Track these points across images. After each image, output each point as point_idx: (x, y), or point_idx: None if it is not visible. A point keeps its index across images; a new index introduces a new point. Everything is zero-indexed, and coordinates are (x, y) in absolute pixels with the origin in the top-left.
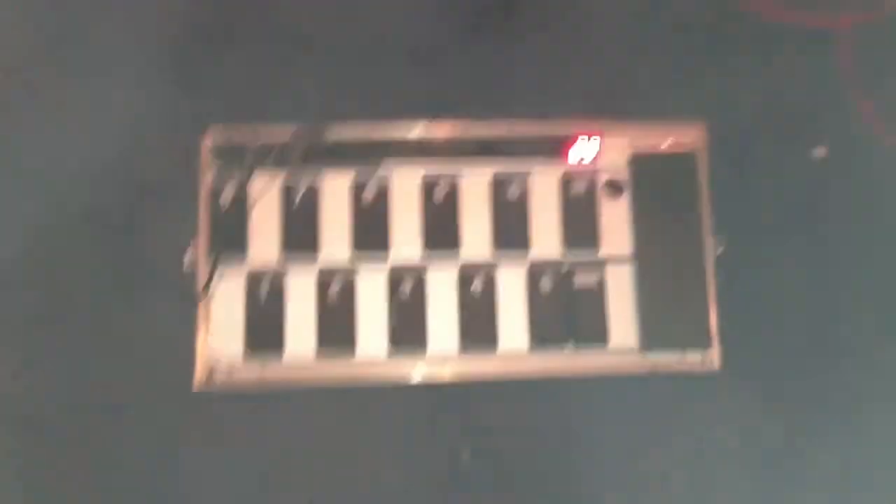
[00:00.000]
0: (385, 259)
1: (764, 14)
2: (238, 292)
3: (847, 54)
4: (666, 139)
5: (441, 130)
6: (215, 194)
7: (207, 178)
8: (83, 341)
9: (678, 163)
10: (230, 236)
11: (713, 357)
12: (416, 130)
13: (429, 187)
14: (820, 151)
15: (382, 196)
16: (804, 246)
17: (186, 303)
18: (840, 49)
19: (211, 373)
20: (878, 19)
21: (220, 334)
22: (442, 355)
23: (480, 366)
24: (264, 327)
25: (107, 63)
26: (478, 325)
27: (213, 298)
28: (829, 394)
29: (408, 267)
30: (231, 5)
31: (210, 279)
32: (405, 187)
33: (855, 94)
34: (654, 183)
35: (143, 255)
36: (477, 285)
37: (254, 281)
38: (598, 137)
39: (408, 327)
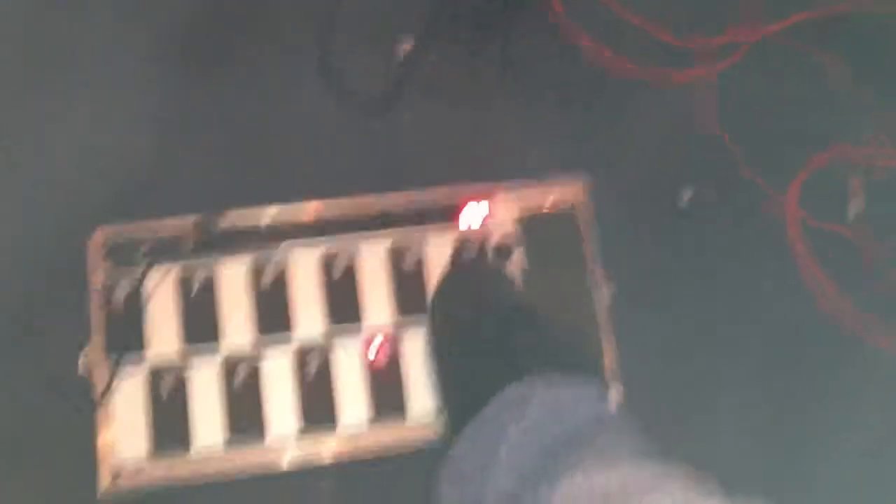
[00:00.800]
0: (289, 340)
1: (625, 73)
2: (139, 391)
3: (709, 104)
4: (549, 198)
5: (334, 207)
6: (108, 293)
7: (98, 277)
8: None
9: (563, 220)
10: (127, 335)
11: (615, 401)
12: (310, 210)
13: (327, 265)
14: (686, 194)
15: (281, 279)
16: (689, 287)
17: (85, 407)
18: (701, 100)
19: (116, 476)
20: (731, 69)
21: (124, 436)
22: (355, 430)
23: (390, 434)
24: (169, 424)
25: None
26: (387, 394)
27: (114, 399)
28: (727, 426)
29: (313, 345)
30: None
31: (109, 381)
32: (303, 267)
33: (723, 141)
34: (543, 240)
35: (36, 361)
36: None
37: (155, 378)
38: (485, 202)
39: (316, 405)
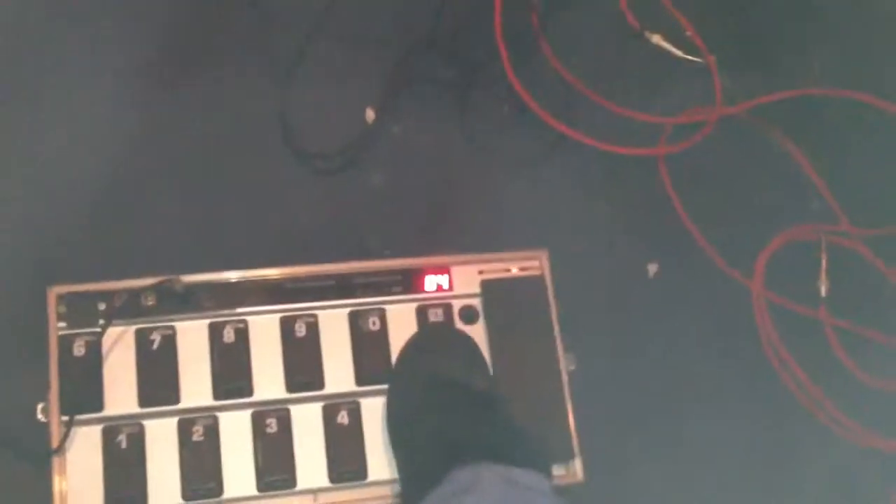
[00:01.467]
0: (247, 400)
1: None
2: (95, 447)
3: (667, 180)
4: (513, 265)
5: (296, 272)
6: (66, 347)
7: (57, 332)
8: None
9: (527, 287)
10: (84, 389)
11: (577, 469)
12: (272, 274)
13: (287, 328)
14: (652, 268)
15: (242, 339)
16: (650, 357)
17: (40, 458)
18: (662, 175)
19: None
20: (689, 148)
21: (78, 489)
22: (313, 488)
23: (349, 496)
24: (124, 479)
25: None
26: (346, 456)
27: (69, 453)
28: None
29: (271, 404)
30: None
31: (65, 436)
32: (263, 330)
33: (683, 217)
34: (506, 307)
35: None
36: (343, 417)
37: (111, 435)
38: (447, 272)
39: (275, 466)
